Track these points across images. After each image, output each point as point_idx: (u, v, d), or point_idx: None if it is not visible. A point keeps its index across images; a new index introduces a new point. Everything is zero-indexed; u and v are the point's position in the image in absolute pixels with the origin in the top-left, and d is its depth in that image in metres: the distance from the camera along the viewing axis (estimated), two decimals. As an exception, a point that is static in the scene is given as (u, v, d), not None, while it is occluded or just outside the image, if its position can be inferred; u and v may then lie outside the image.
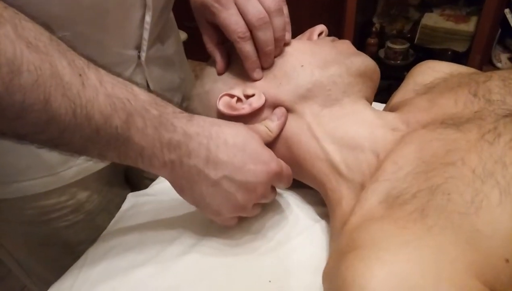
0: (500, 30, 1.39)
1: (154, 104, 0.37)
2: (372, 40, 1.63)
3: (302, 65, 0.45)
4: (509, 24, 1.34)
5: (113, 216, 0.55)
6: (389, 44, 1.59)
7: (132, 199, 0.57)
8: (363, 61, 0.47)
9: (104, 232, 0.52)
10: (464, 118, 0.38)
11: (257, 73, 0.45)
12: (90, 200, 0.59)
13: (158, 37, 0.58)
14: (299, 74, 0.45)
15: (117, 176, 0.66)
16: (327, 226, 0.46)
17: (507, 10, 1.33)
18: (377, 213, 0.33)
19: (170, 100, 0.39)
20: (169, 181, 0.40)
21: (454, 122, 0.37)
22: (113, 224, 0.54)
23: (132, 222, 0.52)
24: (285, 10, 0.46)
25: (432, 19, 1.51)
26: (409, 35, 1.61)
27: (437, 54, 1.52)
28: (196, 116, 0.40)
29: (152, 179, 0.61)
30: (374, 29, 1.62)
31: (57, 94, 0.30)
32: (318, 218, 0.48)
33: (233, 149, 0.38)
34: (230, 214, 0.42)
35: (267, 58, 0.45)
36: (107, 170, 0.59)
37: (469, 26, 1.45)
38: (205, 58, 0.50)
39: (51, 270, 0.59)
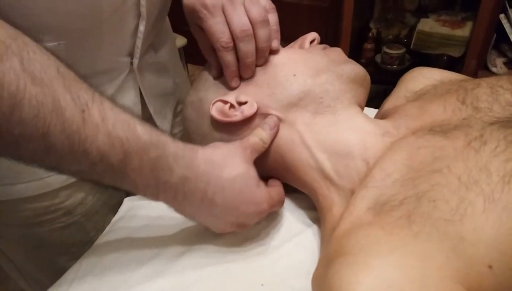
0: (495, 35, 1.39)
1: (155, 145, 0.37)
2: (368, 45, 1.63)
3: (294, 75, 0.45)
4: (504, 29, 1.35)
5: (108, 218, 0.55)
6: (385, 49, 1.60)
7: (129, 203, 0.57)
8: (353, 69, 0.47)
9: (100, 237, 0.52)
10: (452, 125, 0.38)
11: (235, 82, 0.47)
12: (84, 202, 0.59)
13: (152, 45, 0.58)
14: (292, 84, 0.45)
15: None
16: (319, 230, 0.47)
17: (502, 16, 1.34)
18: (365, 219, 0.33)
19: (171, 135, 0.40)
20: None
21: (442, 130, 0.38)
22: (109, 229, 0.54)
23: (128, 227, 0.52)
24: (274, 18, 0.46)
25: (428, 25, 1.52)
26: (405, 40, 1.61)
27: (433, 60, 1.53)
28: (199, 155, 0.40)
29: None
30: (370, 34, 1.63)
31: (56, 129, 0.31)
32: (310, 222, 0.48)
33: (229, 193, 0.40)
34: (219, 232, 0.45)
35: (247, 69, 0.46)
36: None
37: (464, 32, 1.45)
38: (204, 62, 0.51)
39: (46, 273, 0.60)
